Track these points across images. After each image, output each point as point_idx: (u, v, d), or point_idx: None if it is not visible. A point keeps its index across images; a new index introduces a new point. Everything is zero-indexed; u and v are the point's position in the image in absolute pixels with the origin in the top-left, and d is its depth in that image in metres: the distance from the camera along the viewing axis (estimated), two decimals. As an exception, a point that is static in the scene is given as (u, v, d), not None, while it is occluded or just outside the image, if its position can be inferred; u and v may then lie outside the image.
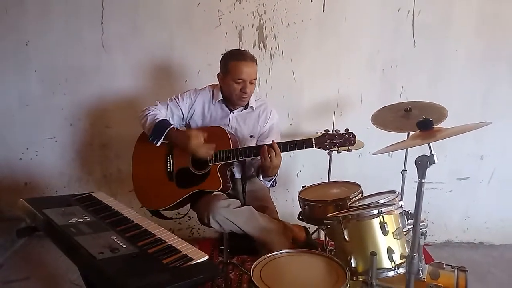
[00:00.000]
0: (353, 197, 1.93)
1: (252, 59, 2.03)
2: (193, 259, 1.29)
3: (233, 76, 1.99)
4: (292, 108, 2.79)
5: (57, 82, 2.78)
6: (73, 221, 1.52)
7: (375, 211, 1.44)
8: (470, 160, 2.88)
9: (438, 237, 3.00)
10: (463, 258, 2.77)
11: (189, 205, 2.15)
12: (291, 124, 2.81)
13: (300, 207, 2.10)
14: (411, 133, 1.39)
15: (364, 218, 1.45)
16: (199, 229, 3.01)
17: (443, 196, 2.93)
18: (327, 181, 2.47)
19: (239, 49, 2.24)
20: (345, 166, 2.75)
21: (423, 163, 1.14)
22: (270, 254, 1.45)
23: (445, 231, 3.00)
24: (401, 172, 2.26)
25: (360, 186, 2.04)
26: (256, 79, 2.06)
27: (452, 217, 2.97)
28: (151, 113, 2.06)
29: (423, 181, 1.16)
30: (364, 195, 1.98)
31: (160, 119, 2.03)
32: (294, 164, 2.89)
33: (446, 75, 2.74)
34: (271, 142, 1.86)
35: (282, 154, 1.88)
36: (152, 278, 1.16)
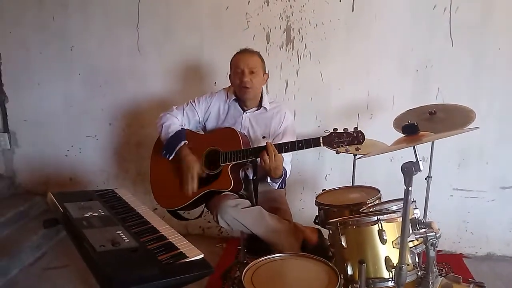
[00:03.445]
0: (369, 203, 1.86)
1: (249, 50, 2.13)
2: (188, 257, 1.32)
3: (233, 70, 2.10)
4: (319, 110, 2.74)
5: (98, 84, 2.97)
6: (87, 215, 1.61)
7: (374, 218, 1.38)
8: (516, 168, 2.65)
9: (478, 250, 2.80)
10: (503, 273, 2.55)
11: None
12: (319, 126, 2.76)
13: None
14: (397, 138, 1.31)
15: (362, 225, 1.39)
16: (227, 228, 3.05)
17: (485, 206, 2.72)
18: (347, 185, 2.39)
19: None
20: (376, 170, 2.66)
21: (409, 170, 1.08)
22: (266, 257, 1.44)
23: (487, 244, 2.78)
24: (425, 179, 2.13)
25: (379, 191, 1.96)
26: (257, 69, 2.07)
27: (495, 229, 2.75)
28: (166, 123, 2.13)
29: (407, 187, 1.10)
30: (382, 201, 1.90)
31: (173, 133, 2.09)
32: (323, 168, 2.84)
33: (488, 76, 2.55)
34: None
35: (294, 152, 1.88)
36: (141, 272, 1.21)
